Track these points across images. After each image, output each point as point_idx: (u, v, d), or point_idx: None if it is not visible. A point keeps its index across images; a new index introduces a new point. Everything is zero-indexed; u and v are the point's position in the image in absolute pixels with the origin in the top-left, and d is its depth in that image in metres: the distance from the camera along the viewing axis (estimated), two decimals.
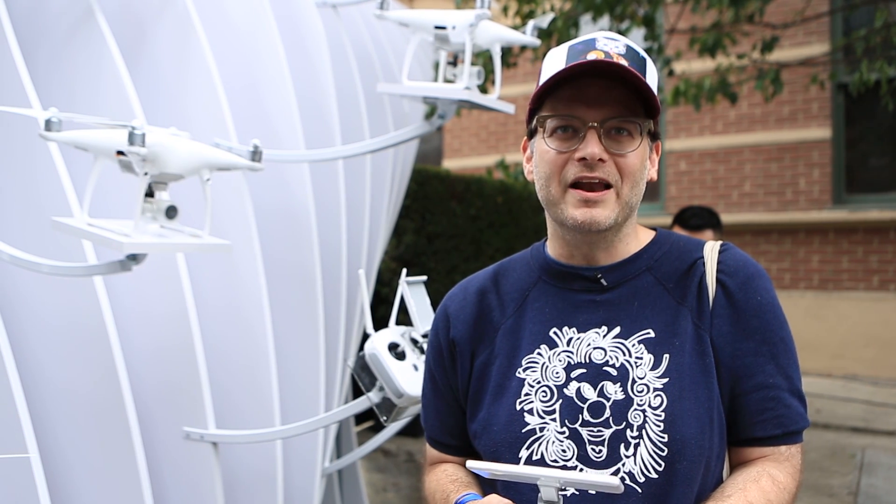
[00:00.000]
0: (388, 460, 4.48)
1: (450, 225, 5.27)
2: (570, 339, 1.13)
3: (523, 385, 1.12)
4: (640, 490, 1.05)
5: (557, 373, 1.11)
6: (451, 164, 8.87)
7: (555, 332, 1.14)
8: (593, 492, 1.04)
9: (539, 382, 1.12)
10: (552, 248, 1.21)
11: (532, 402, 1.11)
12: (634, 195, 1.12)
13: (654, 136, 1.16)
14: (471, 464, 1.01)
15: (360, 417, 4.43)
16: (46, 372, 2.07)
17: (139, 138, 1.58)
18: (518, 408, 1.11)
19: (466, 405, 1.20)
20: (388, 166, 3.32)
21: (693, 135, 7.75)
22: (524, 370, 1.14)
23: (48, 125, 1.67)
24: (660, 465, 1.05)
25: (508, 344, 1.16)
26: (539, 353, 1.13)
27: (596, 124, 1.08)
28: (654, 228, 1.24)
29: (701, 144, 7.74)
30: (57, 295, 2.05)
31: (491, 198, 5.73)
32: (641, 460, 1.06)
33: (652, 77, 1.13)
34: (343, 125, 2.89)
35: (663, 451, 1.05)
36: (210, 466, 2.24)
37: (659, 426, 1.06)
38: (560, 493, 0.95)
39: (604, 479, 0.91)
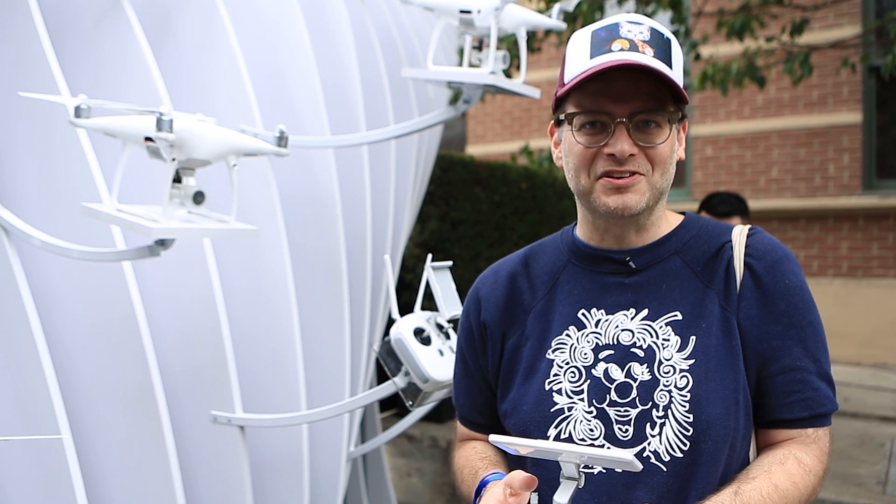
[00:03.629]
0: (413, 445, 4.50)
1: (474, 211, 5.26)
2: (599, 321, 1.14)
3: (552, 366, 1.14)
4: (664, 468, 1.07)
5: (586, 354, 1.13)
6: (474, 150, 8.84)
7: (583, 314, 1.15)
8: (619, 470, 1.05)
9: (568, 363, 1.14)
10: (582, 231, 1.22)
11: (561, 382, 1.13)
12: (665, 180, 1.13)
13: (682, 117, 1.15)
14: (493, 438, 1.02)
15: (384, 405, 4.46)
16: (77, 357, 2.11)
17: (167, 124, 1.59)
18: (547, 388, 1.14)
19: (497, 386, 1.22)
20: (412, 152, 3.31)
21: (720, 120, 7.64)
22: (553, 351, 1.15)
23: (77, 112, 1.68)
24: (685, 445, 1.07)
25: (539, 326, 1.18)
26: (568, 335, 1.15)
27: (624, 119, 1.08)
28: (682, 213, 1.24)
29: (728, 129, 7.64)
30: (87, 282, 2.08)
31: (515, 184, 5.71)
32: (667, 439, 1.07)
33: (677, 60, 1.12)
34: (368, 111, 2.89)
35: (688, 430, 1.07)
36: (237, 450, 2.26)
37: (684, 406, 1.07)
38: (582, 470, 0.96)
39: (623, 455, 0.92)
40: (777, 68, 5.51)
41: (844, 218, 7.08)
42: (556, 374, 1.14)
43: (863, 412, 5.05)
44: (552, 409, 1.12)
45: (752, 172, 7.56)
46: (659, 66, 1.07)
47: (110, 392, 2.12)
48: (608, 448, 1.07)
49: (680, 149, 1.16)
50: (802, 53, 4.73)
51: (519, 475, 1.00)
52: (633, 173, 1.09)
